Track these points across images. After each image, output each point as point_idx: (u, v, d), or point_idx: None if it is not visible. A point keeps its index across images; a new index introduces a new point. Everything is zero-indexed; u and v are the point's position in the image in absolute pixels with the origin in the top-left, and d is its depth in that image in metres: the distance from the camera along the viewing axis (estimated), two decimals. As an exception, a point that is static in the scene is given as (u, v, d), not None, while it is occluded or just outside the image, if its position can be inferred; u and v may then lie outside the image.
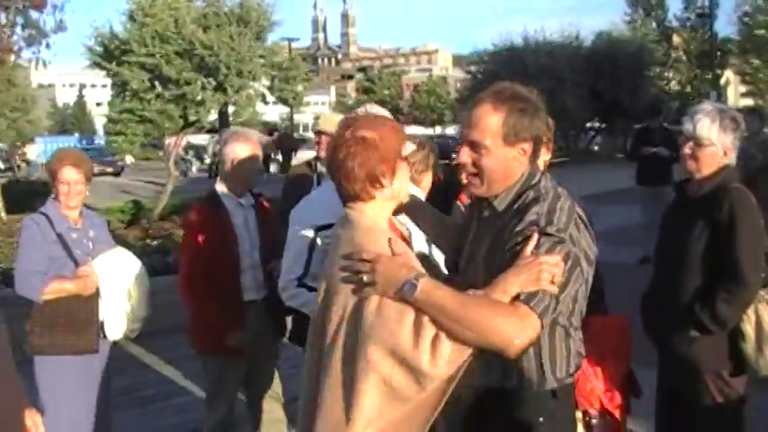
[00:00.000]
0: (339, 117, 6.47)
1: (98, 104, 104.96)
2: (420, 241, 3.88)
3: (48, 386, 4.90)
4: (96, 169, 33.43)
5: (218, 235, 4.96)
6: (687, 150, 4.17)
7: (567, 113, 32.17)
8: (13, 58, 14.63)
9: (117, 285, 5.05)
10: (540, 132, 2.93)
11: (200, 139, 48.38)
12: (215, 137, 30.91)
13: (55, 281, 4.80)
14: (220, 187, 5.12)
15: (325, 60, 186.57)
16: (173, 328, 6.74)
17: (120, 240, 11.59)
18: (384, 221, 2.94)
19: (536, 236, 2.73)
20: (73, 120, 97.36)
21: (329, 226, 3.41)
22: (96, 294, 4.93)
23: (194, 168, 45.46)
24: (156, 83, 15.78)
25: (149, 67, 15.13)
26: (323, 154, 5.96)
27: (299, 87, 17.50)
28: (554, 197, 2.86)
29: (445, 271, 3.53)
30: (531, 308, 2.62)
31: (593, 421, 4.12)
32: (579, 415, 4.21)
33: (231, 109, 17.95)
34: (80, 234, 5.04)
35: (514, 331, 2.58)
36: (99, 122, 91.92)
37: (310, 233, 4.06)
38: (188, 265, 5.06)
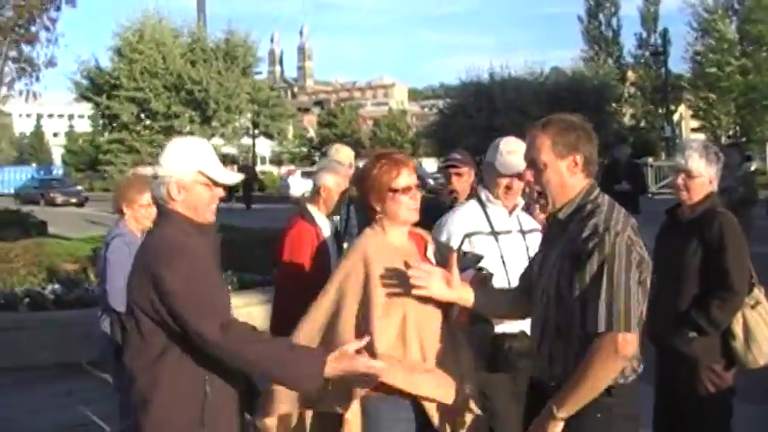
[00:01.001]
0: (349, 150, 6.95)
1: (55, 135, 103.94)
2: (456, 238, 4.50)
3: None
4: (60, 200, 33.02)
5: (315, 244, 5.52)
6: (680, 181, 4.92)
7: (532, 148, 32.72)
8: (4, 89, 14.85)
9: None
10: (589, 150, 3.29)
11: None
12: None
13: None
14: (311, 207, 5.77)
15: (282, 93, 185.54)
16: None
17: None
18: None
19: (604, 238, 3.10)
20: (30, 150, 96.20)
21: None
22: None
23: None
24: (143, 115, 16.10)
25: (138, 100, 15.45)
26: None
27: (284, 123, 17.91)
28: (609, 208, 3.22)
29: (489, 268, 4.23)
30: (614, 332, 3.03)
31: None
32: None
33: (218, 141, 18.22)
34: None
35: (623, 353, 3.06)
36: (56, 153, 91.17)
37: (458, 239, 4.53)
38: (285, 271, 5.59)
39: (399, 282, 3.61)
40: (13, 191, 53.75)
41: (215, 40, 16.79)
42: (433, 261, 3.88)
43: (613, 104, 46.77)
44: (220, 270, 3.60)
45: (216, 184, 3.39)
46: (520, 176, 4.23)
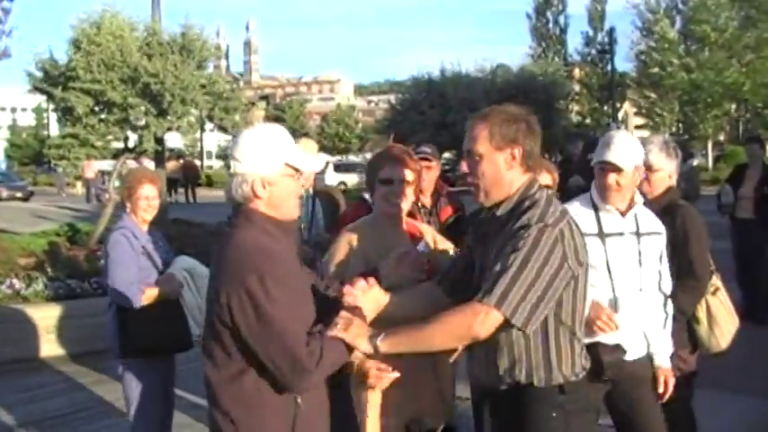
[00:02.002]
0: (314, 144, 7.00)
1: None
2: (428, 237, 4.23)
3: (135, 386, 5.40)
4: (5, 194, 32.46)
5: None
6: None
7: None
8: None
9: (191, 286, 5.60)
10: (530, 144, 3.22)
11: (107, 165, 47.62)
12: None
13: (147, 288, 5.30)
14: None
15: (236, 86, 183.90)
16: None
17: (73, 261, 11.88)
18: None
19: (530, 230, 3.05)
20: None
21: None
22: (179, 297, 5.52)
23: (106, 195, 44.67)
24: (97, 108, 15.96)
25: (94, 93, 15.32)
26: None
27: (237, 117, 17.87)
28: (547, 203, 3.17)
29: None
30: (482, 302, 2.99)
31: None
32: None
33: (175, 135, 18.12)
34: (154, 244, 5.54)
35: (468, 325, 2.99)
36: (0, 146, 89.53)
37: None
38: None
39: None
40: (-45, 185, 52.61)
41: (171, 33, 16.71)
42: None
43: (561, 102, 47.35)
44: (302, 268, 3.34)
45: (298, 172, 3.17)
46: (618, 171, 4.24)
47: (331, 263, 3.88)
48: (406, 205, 3.94)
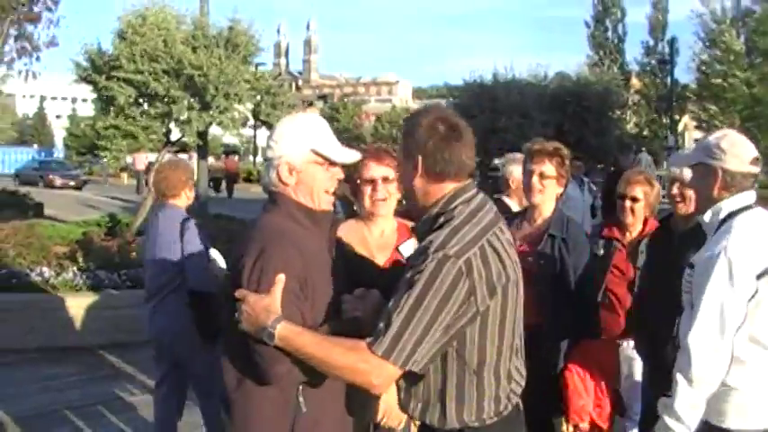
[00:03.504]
0: None
1: (58, 117, 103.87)
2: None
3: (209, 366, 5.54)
4: (59, 182, 33.26)
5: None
6: (675, 191, 4.70)
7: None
8: (4, 68, 14.76)
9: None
10: (438, 152, 2.92)
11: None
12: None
13: None
14: (507, 199, 6.37)
15: (286, 85, 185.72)
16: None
17: (105, 251, 11.86)
18: None
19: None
20: (32, 131, 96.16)
21: None
22: None
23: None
24: (141, 100, 15.99)
25: (137, 83, 15.34)
26: None
27: (285, 113, 17.77)
28: (463, 221, 2.85)
29: None
30: (372, 351, 2.68)
31: (583, 435, 4.56)
32: (570, 429, 4.65)
33: (216, 130, 18.11)
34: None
35: (370, 373, 2.71)
36: (59, 135, 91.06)
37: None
38: None
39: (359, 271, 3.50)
40: (12, 172, 53.62)
41: (218, 27, 16.70)
42: (404, 255, 3.84)
43: (617, 111, 46.73)
44: (337, 266, 3.19)
45: (332, 164, 3.09)
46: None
47: None
48: (392, 203, 3.90)
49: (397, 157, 3.57)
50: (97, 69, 15.78)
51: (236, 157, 51.26)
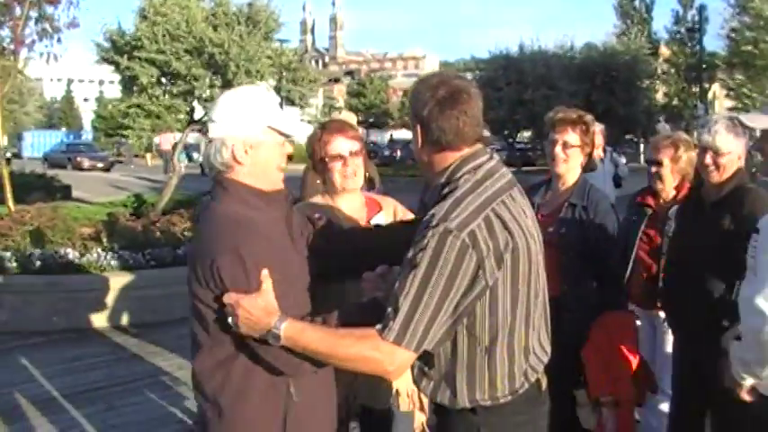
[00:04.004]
0: (352, 117, 6.70)
1: (85, 100, 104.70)
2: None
3: None
4: (87, 164, 33.47)
5: None
6: (708, 160, 4.53)
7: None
8: (25, 50, 14.71)
9: None
10: (442, 120, 2.74)
11: (191, 137, 48.37)
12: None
13: None
14: None
15: (313, 62, 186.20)
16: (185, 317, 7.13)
17: (130, 231, 11.84)
18: None
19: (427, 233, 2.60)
20: (60, 114, 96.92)
21: None
22: None
23: (183, 166, 45.52)
24: (164, 79, 15.95)
25: (159, 63, 15.30)
26: None
27: (306, 89, 17.69)
28: (466, 192, 2.69)
29: None
30: (383, 338, 2.56)
31: (604, 409, 4.45)
32: (590, 403, 4.55)
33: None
34: None
35: (383, 361, 2.60)
36: (86, 118, 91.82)
37: None
38: None
39: None
40: (41, 155, 54.07)
41: (238, 4, 16.60)
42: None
43: (646, 81, 46.20)
44: (300, 248, 3.01)
45: (285, 139, 2.88)
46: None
47: None
48: (361, 177, 3.82)
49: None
50: (119, 50, 15.76)
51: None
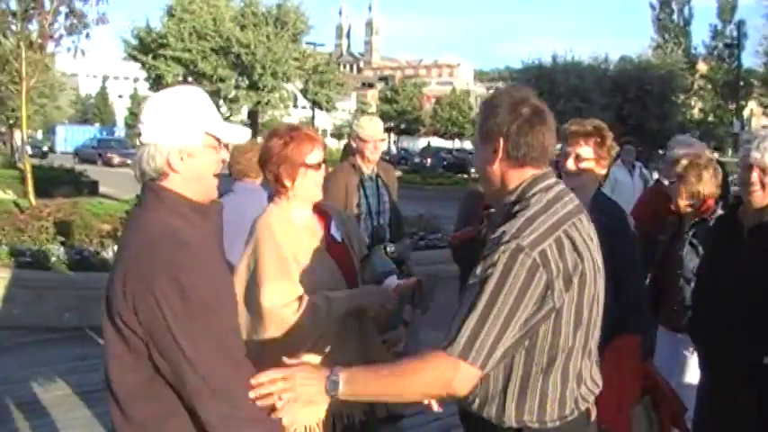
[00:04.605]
0: (372, 121, 6.51)
1: (120, 96, 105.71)
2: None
3: None
4: (117, 160, 33.55)
5: None
6: (754, 178, 4.18)
7: (593, 135, 31.74)
8: (53, 45, 14.71)
9: None
10: (521, 135, 2.70)
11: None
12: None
13: None
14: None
15: (347, 67, 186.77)
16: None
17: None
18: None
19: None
20: (95, 110, 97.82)
21: None
22: None
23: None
24: (190, 78, 15.93)
25: (185, 62, 15.27)
26: (359, 157, 6.17)
27: (333, 92, 17.60)
28: (538, 211, 2.64)
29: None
30: (448, 354, 2.49)
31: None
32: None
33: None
34: None
35: (450, 378, 2.51)
36: (120, 114, 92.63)
37: None
38: None
39: (309, 260, 3.54)
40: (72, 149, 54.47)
41: (267, 5, 16.56)
42: (338, 238, 3.80)
43: (681, 96, 45.76)
44: (222, 260, 2.84)
45: (221, 144, 2.67)
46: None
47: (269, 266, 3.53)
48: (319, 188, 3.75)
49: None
50: (145, 47, 15.77)
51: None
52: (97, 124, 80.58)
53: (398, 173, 47.66)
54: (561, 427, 2.72)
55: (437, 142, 73.15)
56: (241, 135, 2.81)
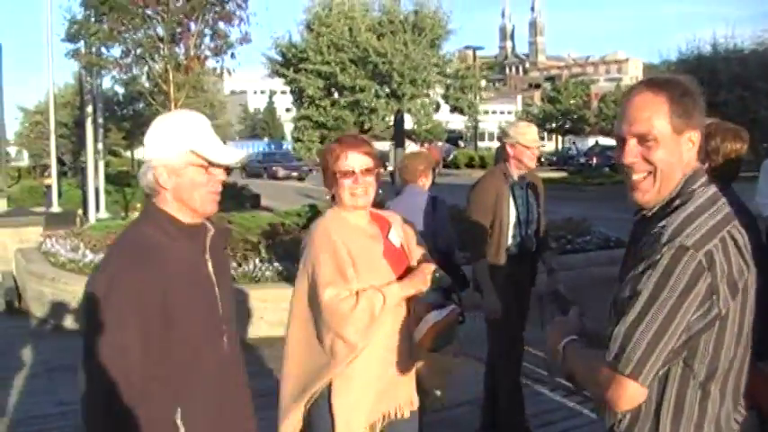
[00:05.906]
0: (532, 128, 6.26)
1: (287, 110, 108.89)
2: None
3: None
4: (282, 173, 34.56)
5: None
6: None
7: (759, 125, 29.90)
8: (200, 66, 15.26)
9: None
10: (703, 124, 2.50)
11: (380, 146, 49.20)
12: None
13: None
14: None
15: (513, 69, 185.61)
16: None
17: (292, 242, 11.92)
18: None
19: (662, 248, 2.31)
20: (263, 125, 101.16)
21: None
22: None
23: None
24: (332, 90, 16.15)
25: (325, 74, 15.48)
26: (514, 164, 5.95)
27: (476, 97, 17.42)
28: (700, 207, 2.40)
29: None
30: (615, 370, 2.33)
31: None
32: None
33: (407, 117, 17.99)
34: None
35: (615, 401, 2.38)
36: (287, 128, 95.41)
37: None
38: None
39: (361, 259, 3.60)
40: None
41: (406, 12, 16.55)
42: (395, 243, 3.83)
43: None
44: (210, 280, 2.90)
45: (212, 165, 2.80)
46: None
47: (325, 266, 3.61)
48: (372, 194, 3.76)
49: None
50: (287, 62, 16.09)
51: (440, 144, 51.54)
52: (266, 138, 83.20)
53: (563, 174, 46.34)
54: None
55: (605, 141, 71.32)
56: (230, 156, 2.88)
